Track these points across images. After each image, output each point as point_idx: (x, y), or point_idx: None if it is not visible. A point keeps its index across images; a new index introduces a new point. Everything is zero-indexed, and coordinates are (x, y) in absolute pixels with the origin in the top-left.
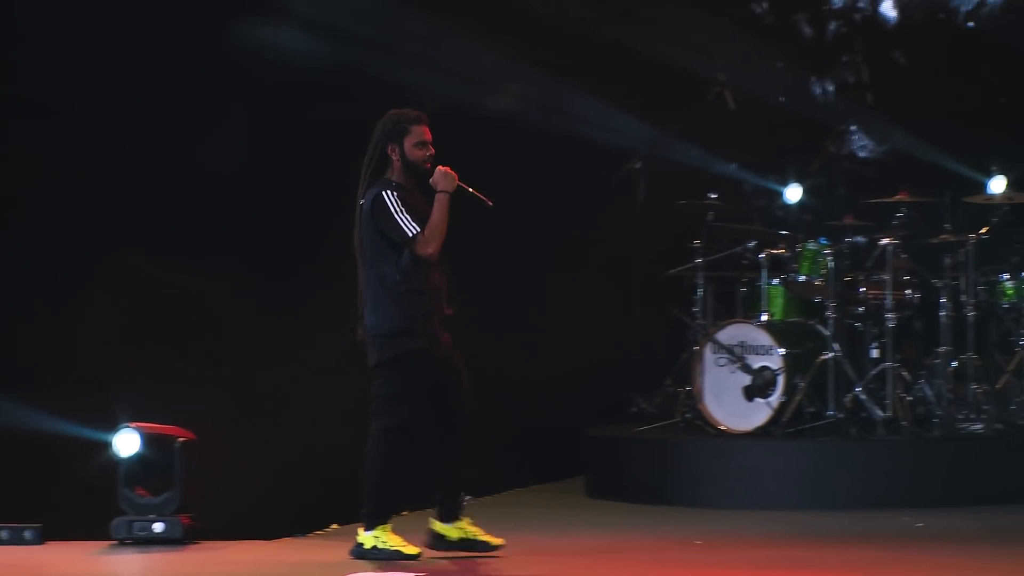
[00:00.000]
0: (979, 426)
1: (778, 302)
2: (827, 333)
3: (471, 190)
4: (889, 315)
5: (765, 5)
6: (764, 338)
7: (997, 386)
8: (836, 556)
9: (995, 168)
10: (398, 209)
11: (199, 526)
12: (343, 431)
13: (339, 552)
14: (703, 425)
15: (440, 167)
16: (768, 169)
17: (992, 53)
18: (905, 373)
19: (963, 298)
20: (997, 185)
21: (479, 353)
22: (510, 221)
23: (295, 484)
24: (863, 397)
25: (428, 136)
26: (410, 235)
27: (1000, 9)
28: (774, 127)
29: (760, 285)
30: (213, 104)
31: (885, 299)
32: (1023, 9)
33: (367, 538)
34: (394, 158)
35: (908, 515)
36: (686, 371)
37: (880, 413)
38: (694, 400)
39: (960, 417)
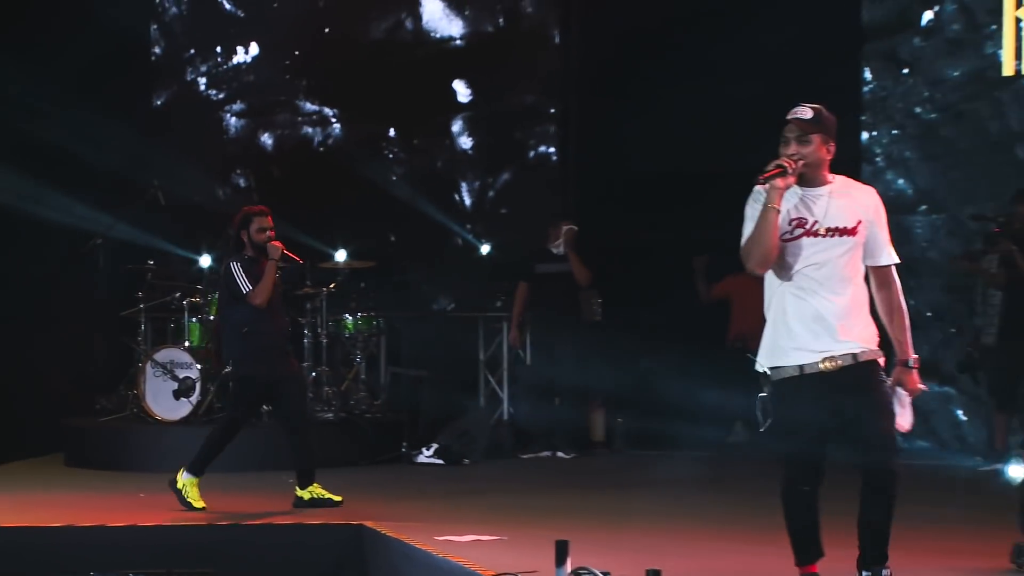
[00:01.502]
0: (330, 414)
1: (196, 333)
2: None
3: (292, 255)
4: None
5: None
6: (186, 357)
7: (342, 388)
8: (256, 495)
9: (340, 243)
10: (239, 274)
11: None
12: None
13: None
14: (145, 417)
15: (272, 243)
16: (187, 244)
17: (337, 169)
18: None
19: (320, 330)
20: (340, 255)
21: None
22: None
23: None
24: None
25: (268, 223)
26: (244, 292)
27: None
28: (193, 216)
29: (184, 322)
30: None
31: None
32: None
33: (182, 481)
34: (244, 239)
35: (286, 476)
36: (134, 379)
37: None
38: (139, 399)
39: (318, 408)
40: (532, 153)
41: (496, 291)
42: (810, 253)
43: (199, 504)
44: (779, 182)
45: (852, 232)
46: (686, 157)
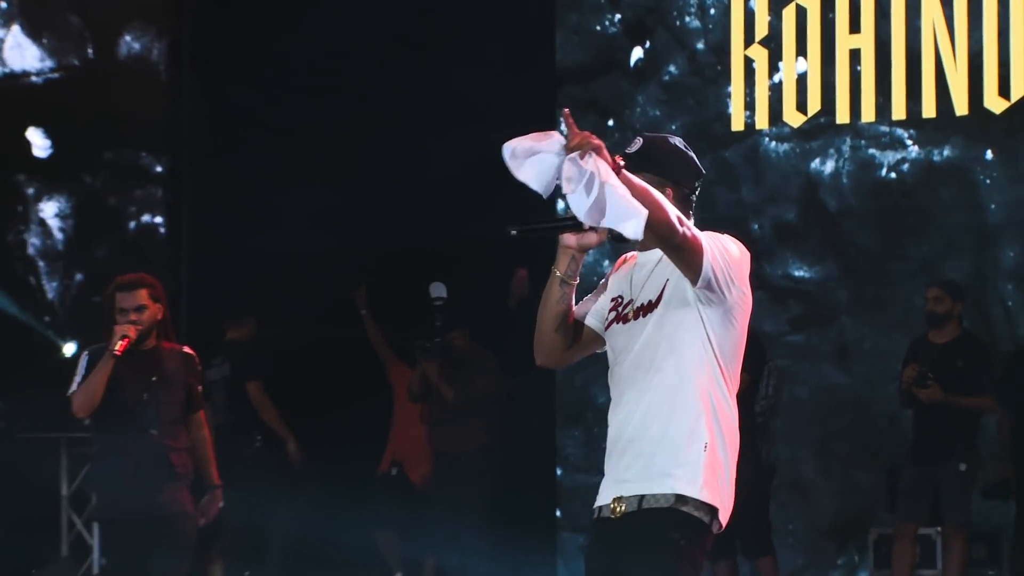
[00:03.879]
0: None
1: None
2: None
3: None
4: None
5: None
6: None
7: None
8: None
9: None
10: (81, 368)
11: None
12: None
13: None
14: None
15: (121, 326)
16: None
17: None
18: None
19: None
20: None
21: None
22: None
23: None
24: None
25: (135, 301)
26: (68, 393)
27: None
28: None
29: None
30: None
31: None
32: None
33: None
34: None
35: None
36: None
37: None
38: None
39: None
40: (133, 224)
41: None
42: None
43: None
44: (569, 238)
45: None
46: (352, 230)
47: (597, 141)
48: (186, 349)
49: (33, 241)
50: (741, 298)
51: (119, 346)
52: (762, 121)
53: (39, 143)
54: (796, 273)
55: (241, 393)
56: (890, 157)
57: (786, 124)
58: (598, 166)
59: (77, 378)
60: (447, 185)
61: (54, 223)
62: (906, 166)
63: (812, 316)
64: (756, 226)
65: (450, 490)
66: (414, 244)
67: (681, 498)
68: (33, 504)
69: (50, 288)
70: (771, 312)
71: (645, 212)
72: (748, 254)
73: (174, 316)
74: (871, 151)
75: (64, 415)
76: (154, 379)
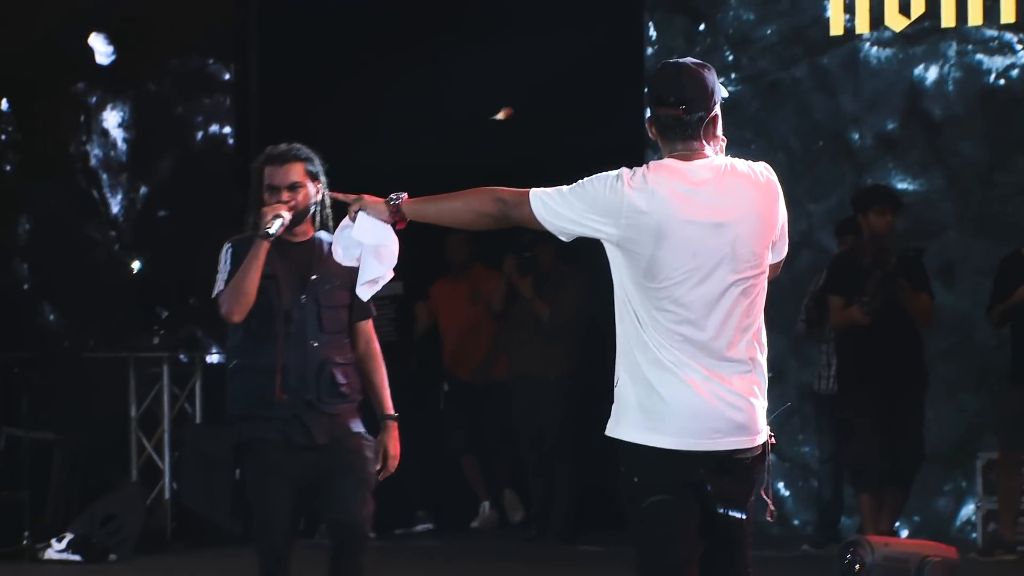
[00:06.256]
0: None
1: None
2: None
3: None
4: None
5: None
6: None
7: None
8: None
9: None
10: (224, 265)
11: None
12: None
13: None
14: None
15: (269, 208)
16: None
17: None
18: None
19: None
20: None
21: None
22: None
23: None
24: None
25: (286, 178)
26: (214, 295)
27: None
28: None
29: None
30: None
31: None
32: None
33: None
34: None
35: None
36: None
37: None
38: None
39: None
40: (200, 134)
41: (152, 322)
42: None
43: None
44: None
45: None
46: (421, 143)
47: (368, 198)
48: None
49: (95, 152)
50: (615, 225)
51: (274, 226)
52: (862, 25)
53: (102, 49)
54: (898, 186)
55: None
56: (998, 63)
57: (887, 28)
58: (361, 221)
59: (221, 275)
60: (533, 93)
61: (117, 133)
62: (1015, 72)
63: (915, 231)
64: (856, 136)
65: (530, 415)
66: (498, 154)
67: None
68: (100, 425)
69: (114, 202)
70: None
71: (384, 273)
72: (625, 176)
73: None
74: (978, 56)
75: (131, 333)
76: (313, 277)
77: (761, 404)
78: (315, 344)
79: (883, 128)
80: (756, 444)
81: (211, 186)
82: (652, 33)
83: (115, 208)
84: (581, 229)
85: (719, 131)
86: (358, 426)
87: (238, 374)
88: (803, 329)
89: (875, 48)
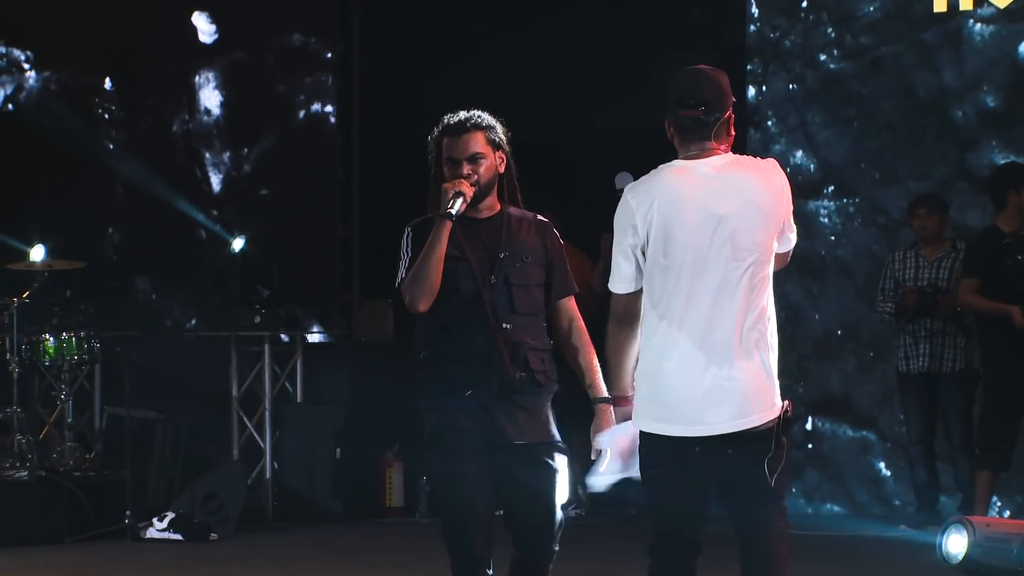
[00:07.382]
0: (24, 473)
1: None
2: None
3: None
4: None
5: None
6: None
7: (41, 436)
8: None
9: (35, 235)
10: (405, 251)
11: None
12: None
13: None
14: None
15: (451, 184)
16: None
17: (33, 135)
18: None
19: (8, 356)
20: (36, 252)
21: None
22: None
23: None
24: None
25: (467, 148)
26: (396, 283)
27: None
28: None
29: None
30: None
31: None
32: None
33: None
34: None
35: None
36: None
37: None
38: None
39: (7, 465)
40: (302, 113)
41: (254, 301)
42: None
43: None
44: None
45: None
46: (523, 117)
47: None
48: (540, 216)
49: (197, 131)
50: (634, 236)
51: (455, 205)
52: (966, 2)
53: (205, 28)
54: (1000, 163)
55: None
56: None
57: (991, 4)
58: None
59: (403, 263)
60: (630, 68)
61: (219, 112)
62: None
63: None
64: (959, 113)
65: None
66: (595, 131)
67: None
68: (202, 404)
69: (215, 180)
70: (975, 203)
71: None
72: (627, 192)
73: (345, 207)
74: None
75: (232, 312)
76: (502, 255)
77: (768, 385)
78: (507, 327)
79: (986, 105)
80: (765, 421)
81: (312, 165)
82: (754, 10)
83: (216, 186)
84: (634, 261)
85: (732, 131)
86: (553, 429)
87: (427, 365)
88: (889, 318)
89: (978, 25)
